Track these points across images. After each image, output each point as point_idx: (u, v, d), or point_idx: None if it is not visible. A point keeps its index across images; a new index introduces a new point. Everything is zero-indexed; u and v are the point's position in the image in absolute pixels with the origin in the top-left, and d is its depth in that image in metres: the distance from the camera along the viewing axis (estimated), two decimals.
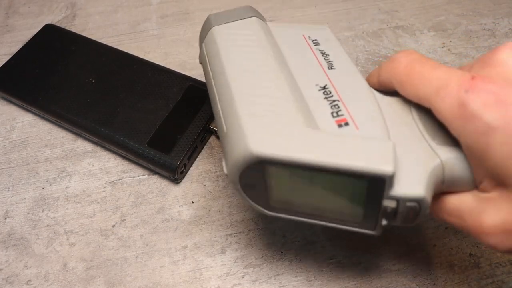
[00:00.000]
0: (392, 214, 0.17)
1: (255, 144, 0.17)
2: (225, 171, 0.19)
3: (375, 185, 0.17)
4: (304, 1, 0.39)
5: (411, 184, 0.17)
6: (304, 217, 0.20)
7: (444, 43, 0.36)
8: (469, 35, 0.36)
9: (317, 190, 0.19)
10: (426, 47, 0.36)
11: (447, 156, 0.17)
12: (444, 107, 0.16)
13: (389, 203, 0.17)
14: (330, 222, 0.19)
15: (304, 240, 0.26)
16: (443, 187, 0.18)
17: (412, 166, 0.17)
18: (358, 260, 0.26)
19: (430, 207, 0.18)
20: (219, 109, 0.20)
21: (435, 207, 0.19)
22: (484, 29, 0.37)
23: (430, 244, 0.26)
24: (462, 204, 0.17)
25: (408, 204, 0.17)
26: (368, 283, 0.25)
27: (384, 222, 0.18)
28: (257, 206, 0.20)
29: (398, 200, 0.17)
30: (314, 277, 0.25)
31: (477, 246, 0.26)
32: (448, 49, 0.36)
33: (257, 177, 0.18)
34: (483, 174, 0.16)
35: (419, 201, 0.17)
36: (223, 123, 0.19)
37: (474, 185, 0.17)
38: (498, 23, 0.37)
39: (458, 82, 0.16)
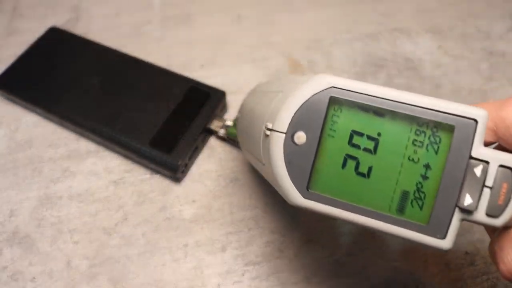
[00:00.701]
0: (478, 187, 0.15)
1: (324, 75, 0.17)
2: (272, 123, 0.17)
3: (464, 133, 0.15)
4: (303, 4, 0.40)
5: (502, 153, 0.15)
6: (350, 210, 0.17)
7: (440, 45, 0.36)
8: (465, 37, 0.37)
9: (380, 160, 0.16)
10: (422, 49, 0.36)
11: None
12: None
13: (477, 165, 0.15)
14: (381, 219, 0.16)
15: (303, 239, 0.27)
16: None
17: (505, 153, 0.16)
18: (356, 258, 0.26)
19: (500, 247, 0.16)
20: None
21: (503, 242, 0.16)
22: (480, 31, 0.37)
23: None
24: None
25: (501, 170, 0.15)
26: (366, 280, 0.25)
27: (462, 215, 0.15)
28: (288, 185, 0.17)
29: (488, 162, 0.15)
30: (313, 275, 0.26)
31: (473, 245, 0.26)
32: (444, 51, 0.36)
33: (314, 125, 0.17)
34: None
35: None
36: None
37: None
38: (493, 25, 0.38)
39: None
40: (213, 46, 0.37)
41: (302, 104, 0.17)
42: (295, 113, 0.17)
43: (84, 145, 0.32)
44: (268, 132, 0.18)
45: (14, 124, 0.33)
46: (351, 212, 0.17)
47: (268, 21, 0.39)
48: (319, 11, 0.39)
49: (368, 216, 0.17)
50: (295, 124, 0.17)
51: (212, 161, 0.31)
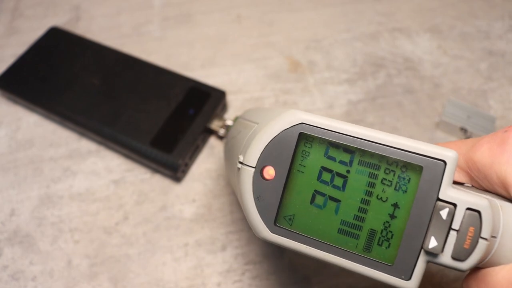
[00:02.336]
0: (444, 230, 0.15)
1: (300, 112, 0.17)
2: (242, 157, 0.17)
3: (432, 175, 0.15)
4: (303, 4, 0.40)
5: (472, 196, 0.15)
6: (316, 247, 0.17)
7: (440, 45, 0.37)
8: (464, 37, 0.37)
9: (349, 198, 0.17)
10: (422, 49, 0.36)
11: (502, 203, 0.16)
12: (482, 151, 0.16)
13: (443, 208, 0.15)
14: (347, 258, 0.16)
15: None
16: (493, 255, 0.16)
17: (474, 195, 0.15)
18: None
19: (467, 284, 0.16)
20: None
21: (475, 282, 0.16)
22: (479, 31, 0.37)
23: None
24: None
25: (468, 213, 0.15)
26: (366, 280, 0.25)
27: (428, 257, 0.15)
28: (256, 219, 0.18)
29: (455, 205, 0.15)
30: (313, 274, 0.26)
31: None
32: (444, 51, 0.36)
33: (283, 160, 0.17)
34: None
35: (481, 211, 0.15)
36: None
37: None
38: (492, 25, 0.38)
39: (491, 135, 0.17)
40: (213, 46, 0.37)
41: (272, 139, 0.17)
42: (264, 148, 0.17)
43: (85, 144, 0.32)
44: (239, 165, 0.18)
45: (15, 124, 0.33)
46: (317, 249, 0.17)
47: (268, 21, 0.39)
48: (319, 11, 0.40)
49: (334, 254, 0.17)
50: (264, 159, 0.17)
51: (212, 161, 0.31)
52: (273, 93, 0.34)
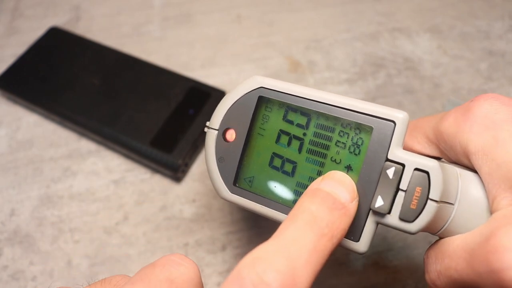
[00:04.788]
0: (391, 189, 0.15)
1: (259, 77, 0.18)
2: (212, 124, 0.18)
3: (381, 135, 0.15)
4: (303, 4, 0.40)
5: (422, 157, 0.15)
6: (272, 207, 0.17)
7: (440, 45, 0.37)
8: (464, 37, 0.37)
9: (304, 160, 0.17)
10: (422, 49, 0.36)
11: (462, 171, 0.16)
12: (449, 121, 0.16)
13: (390, 167, 0.15)
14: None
15: None
16: (450, 224, 0.15)
17: (425, 157, 0.15)
18: (356, 257, 0.26)
19: (427, 255, 0.16)
20: None
21: (433, 252, 0.16)
22: (479, 31, 0.37)
23: (426, 241, 0.26)
24: (468, 237, 0.15)
25: (416, 173, 0.15)
26: (366, 280, 0.25)
27: (376, 218, 0.15)
28: (218, 180, 0.18)
29: (403, 165, 0.15)
30: None
31: None
32: (444, 51, 0.36)
33: (243, 123, 0.17)
34: (497, 185, 0.15)
35: (429, 172, 0.14)
36: None
37: (487, 211, 0.15)
38: (492, 25, 0.38)
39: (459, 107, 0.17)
40: (213, 46, 0.37)
41: (234, 102, 0.18)
42: (227, 111, 0.18)
43: (85, 144, 0.32)
44: (205, 129, 0.19)
45: (15, 124, 0.33)
46: (273, 209, 0.17)
47: (268, 21, 0.39)
48: (319, 11, 0.40)
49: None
50: (227, 122, 0.18)
51: None
52: None
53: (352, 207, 0.15)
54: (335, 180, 0.15)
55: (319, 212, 0.14)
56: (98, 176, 0.30)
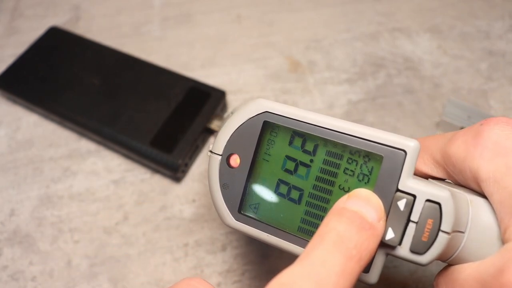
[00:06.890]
0: (402, 221, 0.14)
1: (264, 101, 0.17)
2: (211, 147, 0.18)
3: (392, 164, 0.14)
4: (303, 4, 0.40)
5: (434, 187, 0.14)
6: (278, 235, 0.17)
7: (440, 45, 0.37)
8: (464, 37, 0.37)
9: (312, 187, 0.16)
10: (422, 49, 0.36)
11: (472, 198, 0.16)
12: (457, 145, 0.16)
13: (401, 198, 0.14)
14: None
15: None
16: (460, 251, 0.15)
17: (437, 186, 0.15)
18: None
19: (436, 282, 0.16)
20: None
21: (443, 280, 0.16)
22: (479, 31, 0.37)
23: None
24: (480, 267, 0.14)
25: (428, 204, 0.14)
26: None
27: (386, 250, 0.15)
28: (222, 207, 0.17)
29: (415, 196, 0.14)
30: None
31: None
32: (444, 51, 0.36)
33: (248, 148, 0.17)
34: (509, 214, 0.14)
35: (441, 203, 0.14)
36: None
37: (499, 241, 0.15)
38: (492, 25, 0.38)
39: (469, 128, 0.16)
40: (213, 46, 0.37)
41: (238, 127, 0.17)
42: (230, 136, 0.17)
43: (85, 144, 0.32)
44: (208, 153, 0.18)
45: (15, 124, 0.33)
46: (279, 238, 0.17)
47: (268, 21, 0.39)
48: (319, 11, 0.40)
49: (296, 244, 0.17)
50: (231, 147, 0.18)
51: None
52: (273, 93, 0.34)
53: (380, 227, 0.14)
54: (361, 198, 0.15)
55: (346, 232, 0.13)
56: (98, 176, 0.30)
